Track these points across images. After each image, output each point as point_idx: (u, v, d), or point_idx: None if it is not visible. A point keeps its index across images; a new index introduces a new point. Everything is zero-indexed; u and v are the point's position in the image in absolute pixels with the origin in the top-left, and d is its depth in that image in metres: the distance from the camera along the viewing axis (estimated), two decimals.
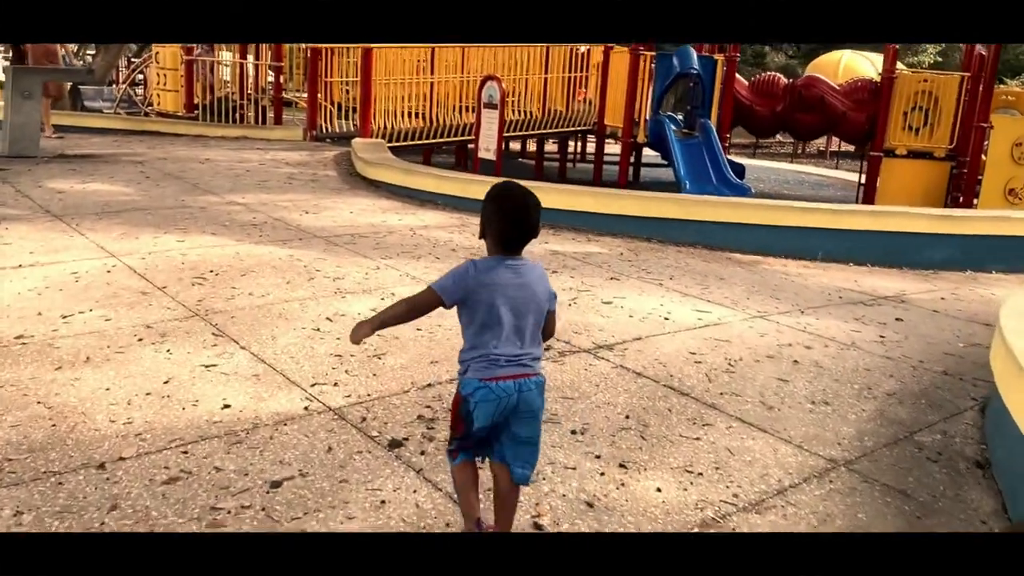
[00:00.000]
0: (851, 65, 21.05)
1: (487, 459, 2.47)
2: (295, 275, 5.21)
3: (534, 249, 6.38)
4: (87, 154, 9.84)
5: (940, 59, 28.43)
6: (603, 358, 4.14)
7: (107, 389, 3.46)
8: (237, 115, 14.05)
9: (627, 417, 3.49)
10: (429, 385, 3.68)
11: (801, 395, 3.87)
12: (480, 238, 2.39)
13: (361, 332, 2.39)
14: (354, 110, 12.32)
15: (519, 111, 12.27)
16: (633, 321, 4.76)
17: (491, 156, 9.99)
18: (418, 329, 4.34)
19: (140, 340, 4.01)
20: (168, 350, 3.91)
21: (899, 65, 20.26)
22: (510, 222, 2.31)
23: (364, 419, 3.34)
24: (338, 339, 4.16)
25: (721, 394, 3.80)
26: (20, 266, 5.09)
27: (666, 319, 4.84)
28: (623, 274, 5.85)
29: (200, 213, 6.85)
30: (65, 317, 4.26)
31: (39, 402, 3.31)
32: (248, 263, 5.42)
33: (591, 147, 16.74)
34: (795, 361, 4.30)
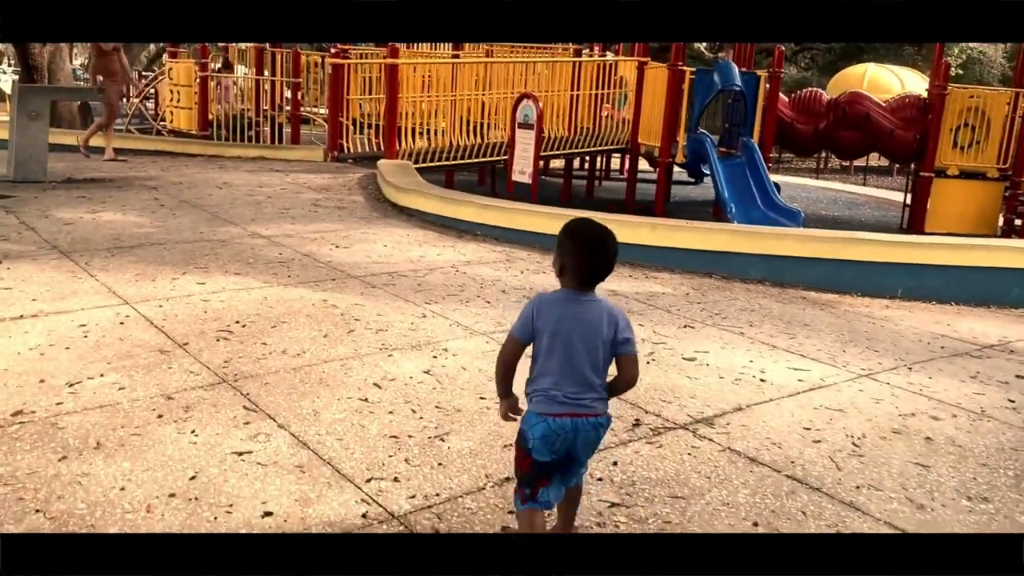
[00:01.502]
0: (876, 79, 20.38)
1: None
2: (332, 326, 4.59)
3: None
4: (97, 178, 9.27)
5: (961, 71, 27.71)
6: (705, 437, 3.51)
7: (122, 489, 2.85)
8: (253, 132, 13.51)
9: (755, 524, 2.85)
10: (507, 479, 3.04)
11: (950, 487, 3.22)
12: (558, 275, 2.40)
13: (504, 412, 2.49)
14: (370, 126, 11.73)
15: (546, 130, 11.62)
16: (725, 384, 4.13)
17: (526, 179, 9.38)
18: (482, 398, 3.72)
19: (160, 417, 3.40)
20: (193, 431, 3.29)
21: (922, 77, 19.65)
22: (587, 259, 2.34)
23: (436, 532, 2.72)
24: (391, 413, 3.54)
25: (857, 487, 3.16)
26: (21, 317, 4.48)
27: (762, 381, 4.20)
28: (696, 320, 5.22)
29: (221, 248, 6.24)
30: (72, 385, 3.65)
31: (38, 510, 2.70)
32: (278, 311, 4.81)
33: (615, 163, 16.16)
34: (927, 438, 3.66)
